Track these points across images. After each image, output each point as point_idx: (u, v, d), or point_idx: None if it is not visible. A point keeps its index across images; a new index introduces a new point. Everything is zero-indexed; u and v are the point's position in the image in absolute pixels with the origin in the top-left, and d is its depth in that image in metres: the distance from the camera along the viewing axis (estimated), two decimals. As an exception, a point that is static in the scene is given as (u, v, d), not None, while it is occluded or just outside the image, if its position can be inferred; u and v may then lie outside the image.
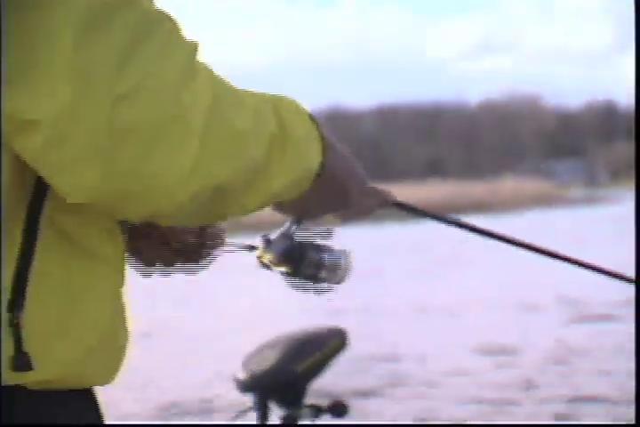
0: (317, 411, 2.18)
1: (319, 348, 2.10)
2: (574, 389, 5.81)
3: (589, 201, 41.11)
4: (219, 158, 0.73)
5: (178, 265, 1.02)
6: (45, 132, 0.66)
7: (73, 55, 0.65)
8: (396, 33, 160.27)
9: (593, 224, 25.01)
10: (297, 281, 1.02)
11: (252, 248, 1.04)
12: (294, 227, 1.00)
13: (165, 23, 0.72)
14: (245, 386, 2.07)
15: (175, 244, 0.99)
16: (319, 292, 1.04)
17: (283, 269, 1.01)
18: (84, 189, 0.69)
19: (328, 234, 1.02)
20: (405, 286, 11.47)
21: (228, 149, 0.75)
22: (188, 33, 0.74)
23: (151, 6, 0.72)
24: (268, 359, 2.05)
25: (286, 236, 1.00)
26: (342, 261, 1.01)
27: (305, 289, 1.04)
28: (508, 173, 46.80)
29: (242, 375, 2.07)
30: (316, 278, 1.01)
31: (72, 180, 0.68)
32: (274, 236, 1.00)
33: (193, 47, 0.74)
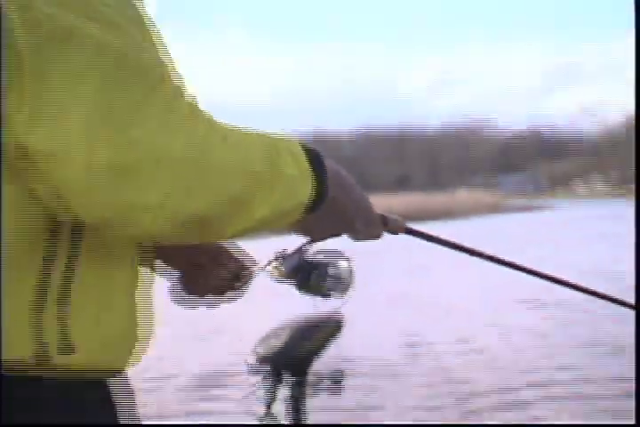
0: (320, 379, 2.07)
1: (323, 330, 2.03)
2: (545, 386, 4.98)
3: (531, 208, 40.56)
4: (191, 193, 0.70)
5: (219, 295, 1.01)
6: (56, 163, 0.65)
7: (92, 103, 0.64)
8: (373, 69, 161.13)
9: (535, 227, 25.25)
10: (304, 293, 0.99)
11: (268, 263, 0.99)
12: (307, 246, 0.97)
13: (166, 85, 0.69)
14: (261, 359, 1.99)
15: (224, 273, 0.98)
16: (325, 301, 1.00)
17: (292, 282, 0.99)
18: (81, 211, 0.67)
19: (337, 255, 0.99)
20: (400, 282, 10.68)
21: (204, 185, 0.71)
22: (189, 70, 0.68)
23: (162, 66, 0.70)
24: (283, 338, 2.00)
25: (298, 253, 0.97)
26: (345, 277, 0.98)
27: (324, 295, 1.00)
28: (463, 187, 46.53)
29: (259, 350, 1.99)
30: (320, 291, 0.99)
31: (68, 204, 0.67)
32: (288, 252, 0.97)
33: (181, 92, 0.70)
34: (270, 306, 6.56)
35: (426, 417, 4.46)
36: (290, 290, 1.04)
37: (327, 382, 1.99)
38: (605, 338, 6.12)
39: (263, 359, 2.05)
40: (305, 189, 0.76)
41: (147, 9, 0.76)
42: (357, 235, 0.91)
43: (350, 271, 0.96)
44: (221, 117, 0.74)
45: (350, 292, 0.99)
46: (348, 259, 0.97)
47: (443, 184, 49.95)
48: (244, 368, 1.93)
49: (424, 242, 1.09)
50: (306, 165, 0.76)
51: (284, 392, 1.86)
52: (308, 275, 0.95)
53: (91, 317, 0.78)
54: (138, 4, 0.74)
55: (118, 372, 0.84)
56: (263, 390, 1.78)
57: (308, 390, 1.89)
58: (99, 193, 0.64)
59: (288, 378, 1.89)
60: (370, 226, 0.91)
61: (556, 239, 19.41)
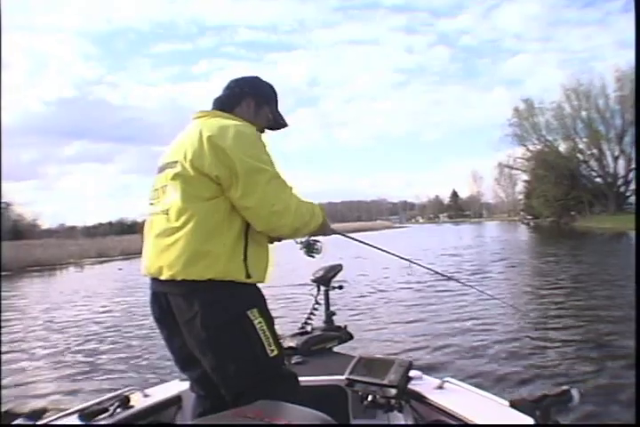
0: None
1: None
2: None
3: (402, 227, 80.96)
4: (297, 220, 1.72)
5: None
6: (251, 211, 1.67)
7: (270, 191, 1.66)
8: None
9: (405, 233, 53.06)
10: (307, 252, 2.07)
11: (299, 242, 2.05)
12: (311, 237, 2.02)
13: (287, 183, 1.72)
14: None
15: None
16: (315, 256, 2.08)
17: (304, 249, 2.06)
18: (259, 227, 1.70)
19: (316, 240, 2.05)
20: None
21: (300, 218, 1.73)
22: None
23: (273, 166, 1.70)
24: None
25: (308, 239, 2.05)
26: (320, 246, 2.05)
27: (310, 255, 2.09)
28: (378, 219, 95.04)
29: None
30: (313, 251, 2.07)
31: (253, 223, 1.69)
32: (305, 239, 2.04)
33: (291, 186, 1.72)
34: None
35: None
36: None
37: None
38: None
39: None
40: (320, 219, 1.89)
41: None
42: (326, 234, 2.01)
43: (322, 246, 2.05)
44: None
45: (322, 254, 2.04)
46: (320, 242, 2.06)
47: (371, 219, 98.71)
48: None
49: (353, 241, 2.23)
50: (321, 211, 1.88)
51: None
52: (311, 245, 2.07)
53: (254, 257, 1.73)
54: (266, 147, 1.75)
55: (262, 282, 1.78)
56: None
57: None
58: (270, 222, 1.69)
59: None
60: (329, 232, 2.01)
61: (409, 236, 41.80)
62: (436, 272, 2.87)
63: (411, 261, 2.46)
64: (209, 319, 1.64)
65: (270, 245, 1.86)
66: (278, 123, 2.03)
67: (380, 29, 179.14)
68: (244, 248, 1.69)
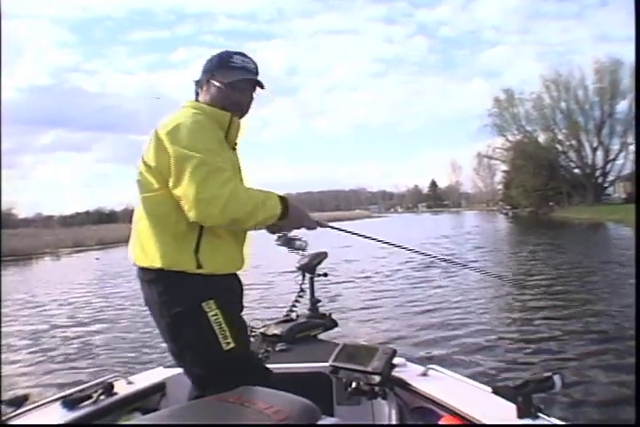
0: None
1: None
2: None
3: (380, 217, 79.78)
4: (232, 210, 1.56)
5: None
6: (183, 200, 1.59)
7: (198, 178, 1.55)
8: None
9: (385, 222, 53.69)
10: (288, 248, 1.95)
11: (277, 238, 1.93)
12: (286, 233, 1.92)
13: (223, 169, 1.60)
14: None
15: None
16: (296, 252, 1.97)
17: (283, 245, 1.95)
18: (190, 216, 1.59)
19: (295, 238, 1.92)
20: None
21: (238, 207, 1.57)
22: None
23: (213, 157, 1.60)
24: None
25: (285, 235, 1.94)
26: (303, 244, 1.95)
27: (291, 251, 1.96)
28: (357, 208, 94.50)
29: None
30: (294, 248, 1.96)
31: (186, 213, 1.59)
32: (281, 235, 1.93)
33: (229, 174, 1.60)
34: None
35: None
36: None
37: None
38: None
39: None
40: (277, 210, 1.67)
41: (217, 134, 1.73)
42: (307, 227, 1.85)
43: (306, 242, 1.95)
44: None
45: (305, 250, 1.94)
46: (301, 239, 1.94)
47: (348, 208, 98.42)
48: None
49: (334, 231, 2.04)
50: (277, 202, 1.67)
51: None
52: (290, 242, 1.95)
53: (208, 248, 1.70)
54: (213, 136, 1.71)
55: (220, 273, 1.73)
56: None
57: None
58: (198, 211, 1.58)
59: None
60: (308, 224, 1.84)
61: (390, 225, 42.85)
62: (429, 255, 2.63)
63: (406, 248, 2.29)
64: (164, 308, 1.67)
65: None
66: (241, 83, 1.81)
67: (358, 19, 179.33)
68: (197, 239, 1.67)
